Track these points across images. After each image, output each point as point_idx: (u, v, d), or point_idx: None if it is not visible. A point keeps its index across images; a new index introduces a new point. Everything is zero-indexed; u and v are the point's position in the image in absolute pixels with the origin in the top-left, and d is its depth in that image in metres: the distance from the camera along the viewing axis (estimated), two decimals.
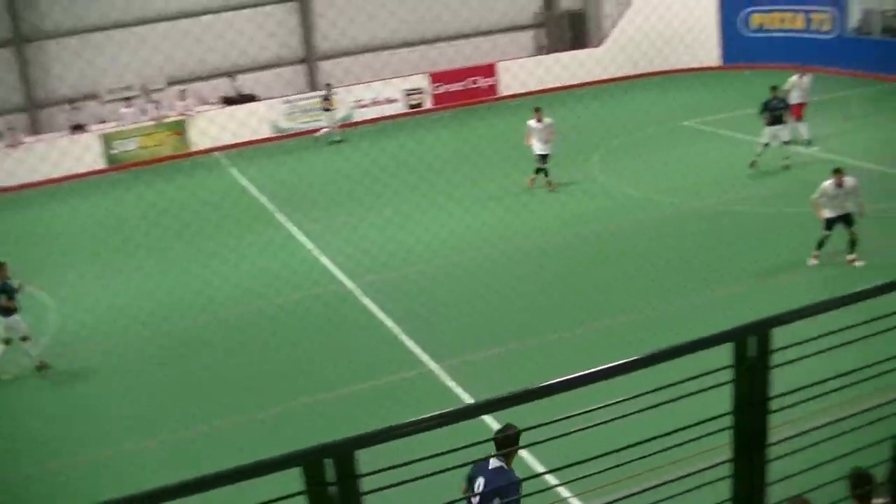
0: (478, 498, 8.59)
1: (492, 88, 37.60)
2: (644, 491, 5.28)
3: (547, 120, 23.64)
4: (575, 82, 34.58)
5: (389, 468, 4.10)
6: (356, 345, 15.19)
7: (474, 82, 37.57)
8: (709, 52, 37.56)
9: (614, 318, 16.10)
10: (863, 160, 23.66)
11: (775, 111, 23.68)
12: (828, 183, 17.29)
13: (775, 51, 36.84)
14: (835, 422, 5.48)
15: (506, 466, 8.60)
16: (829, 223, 17.40)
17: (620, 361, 4.38)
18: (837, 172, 17.26)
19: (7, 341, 16.37)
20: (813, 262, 17.51)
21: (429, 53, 36.02)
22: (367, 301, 18.04)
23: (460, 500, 4.46)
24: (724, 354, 4.65)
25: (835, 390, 5.04)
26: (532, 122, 23.81)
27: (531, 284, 17.08)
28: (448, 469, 4.35)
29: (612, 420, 4.70)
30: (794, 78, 26.14)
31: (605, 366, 4.35)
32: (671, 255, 17.83)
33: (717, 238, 18.70)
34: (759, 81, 26.90)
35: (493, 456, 8.52)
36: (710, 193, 21.40)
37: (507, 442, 8.23)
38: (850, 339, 5.11)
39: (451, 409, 4.13)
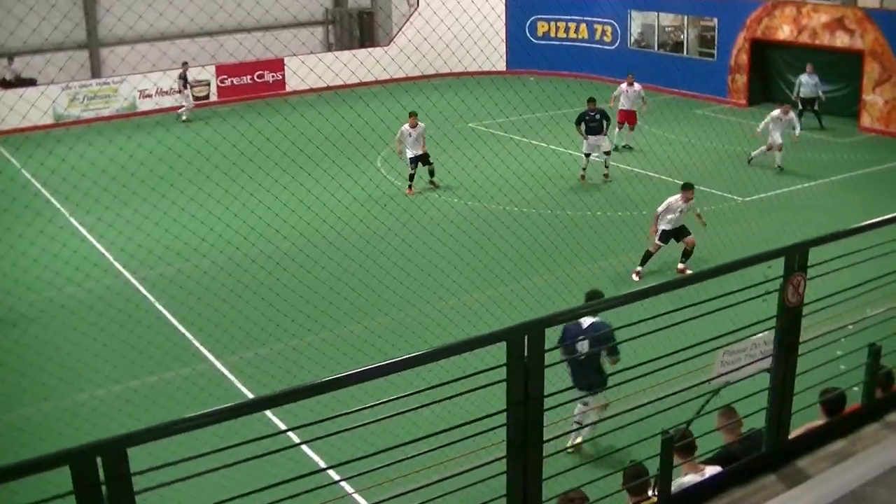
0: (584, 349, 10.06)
1: (280, 83, 37.25)
2: (422, 487, 5.35)
3: (421, 125, 23.57)
4: (361, 81, 34.62)
5: (163, 466, 4.02)
6: (133, 339, 14.76)
7: (261, 76, 37.16)
8: (491, 55, 38.33)
9: (393, 315, 16.27)
10: (642, 168, 24.72)
11: (591, 123, 24.16)
12: (676, 198, 17.41)
13: (559, 59, 38.01)
14: (610, 417, 5.72)
15: (596, 319, 10.36)
16: (665, 236, 17.65)
17: (395, 359, 4.44)
18: (687, 188, 17.37)
19: None
20: (636, 278, 17.69)
21: (210, 45, 35.27)
22: (145, 294, 17.57)
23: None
24: (502, 352, 4.77)
25: (611, 387, 5.26)
26: (405, 128, 23.61)
27: (311, 281, 16.99)
28: (226, 466, 4.29)
29: (387, 417, 4.75)
30: (624, 86, 27.14)
31: (380, 363, 4.41)
32: (449, 254, 18.07)
33: (496, 238, 19.07)
34: (544, 87, 27.65)
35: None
36: (492, 195, 21.81)
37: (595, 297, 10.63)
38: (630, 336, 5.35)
39: (229, 405, 4.09)
